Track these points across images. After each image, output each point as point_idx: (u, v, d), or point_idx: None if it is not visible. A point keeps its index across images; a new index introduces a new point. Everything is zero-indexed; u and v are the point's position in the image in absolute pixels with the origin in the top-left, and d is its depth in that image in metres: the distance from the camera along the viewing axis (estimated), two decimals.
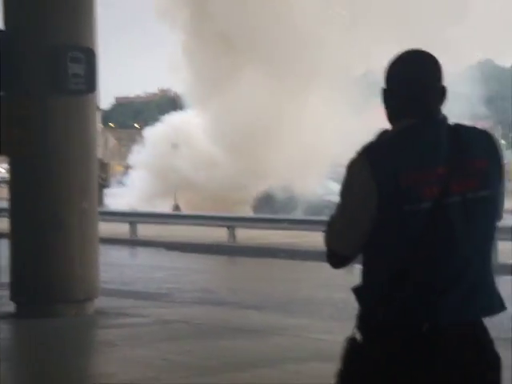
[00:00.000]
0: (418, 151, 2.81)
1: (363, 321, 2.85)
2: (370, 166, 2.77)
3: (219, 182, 29.18)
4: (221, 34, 30.02)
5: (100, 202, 19.39)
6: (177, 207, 29.30)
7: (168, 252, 19.46)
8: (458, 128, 2.90)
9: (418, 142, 2.82)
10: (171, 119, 35.41)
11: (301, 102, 28.62)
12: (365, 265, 2.87)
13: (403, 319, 2.77)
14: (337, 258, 2.92)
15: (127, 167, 37.60)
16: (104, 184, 30.32)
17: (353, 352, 2.85)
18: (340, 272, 3.44)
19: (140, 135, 38.93)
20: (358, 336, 2.84)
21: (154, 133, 34.59)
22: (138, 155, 34.72)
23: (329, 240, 2.91)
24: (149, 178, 32.44)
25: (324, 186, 27.65)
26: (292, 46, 28.32)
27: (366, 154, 2.82)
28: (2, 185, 44.61)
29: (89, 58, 9.42)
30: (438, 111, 2.91)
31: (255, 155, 28.79)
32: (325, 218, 16.07)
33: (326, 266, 2.98)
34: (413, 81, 2.89)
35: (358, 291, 2.87)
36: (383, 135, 2.89)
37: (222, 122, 29.47)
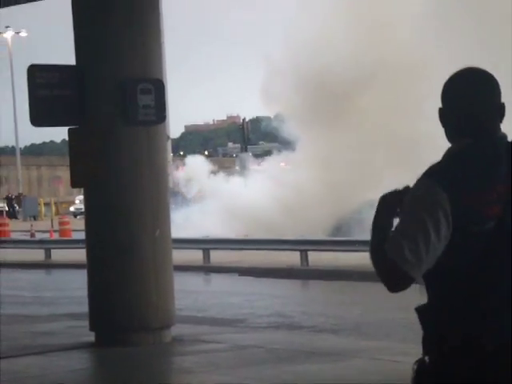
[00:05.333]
0: (477, 171, 2.78)
1: (430, 343, 2.84)
2: (442, 189, 2.74)
3: None
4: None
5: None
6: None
7: (241, 277, 19.51)
8: None
9: (477, 162, 2.79)
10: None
11: None
12: (429, 287, 2.84)
13: (469, 341, 2.76)
14: (398, 274, 2.74)
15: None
16: None
17: (422, 374, 2.84)
18: (414, 293, 3.43)
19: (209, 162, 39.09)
20: (427, 358, 2.84)
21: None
22: None
23: (396, 253, 2.73)
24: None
25: None
26: None
27: (434, 176, 2.79)
28: (79, 216, 45.45)
29: (158, 89, 9.58)
30: (497, 129, 2.87)
31: None
32: None
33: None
34: (469, 99, 2.85)
35: (421, 313, 2.85)
36: (445, 156, 2.87)
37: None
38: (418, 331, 2.98)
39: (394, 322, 11.56)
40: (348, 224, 26.11)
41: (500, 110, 2.89)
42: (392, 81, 28.59)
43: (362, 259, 19.27)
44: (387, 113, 28.66)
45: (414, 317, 2.95)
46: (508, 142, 2.88)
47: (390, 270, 2.76)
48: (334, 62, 29.50)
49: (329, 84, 29.79)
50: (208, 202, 32.57)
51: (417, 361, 2.87)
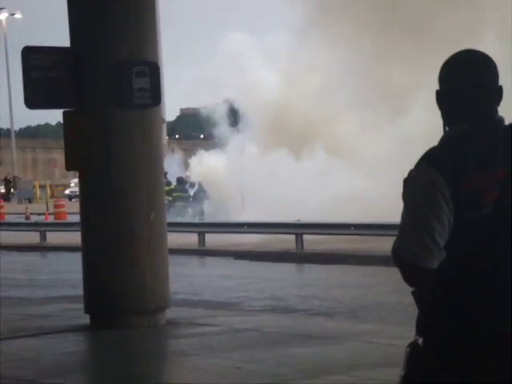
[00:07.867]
0: (476, 155, 2.75)
1: (424, 326, 2.84)
2: (441, 174, 2.72)
3: None
4: None
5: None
6: None
7: (236, 261, 19.54)
8: None
9: (475, 147, 2.77)
10: None
11: None
12: None
13: (463, 326, 2.76)
14: (418, 272, 2.77)
15: (188, 177, 37.51)
16: None
17: (415, 357, 2.84)
18: None
19: (205, 145, 38.97)
20: (420, 341, 2.84)
21: None
22: None
23: (404, 249, 2.75)
24: None
25: None
26: None
27: (432, 161, 2.76)
28: (74, 199, 45.44)
29: (153, 72, 9.55)
30: (495, 112, 2.85)
31: None
32: (390, 221, 15.71)
33: (395, 270, 2.97)
34: (467, 82, 2.82)
35: (417, 295, 2.86)
36: (442, 140, 2.84)
37: None
38: (413, 315, 2.97)
39: (390, 306, 11.58)
40: None
41: (498, 94, 2.86)
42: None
43: (356, 243, 19.33)
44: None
45: (410, 300, 2.94)
46: (506, 126, 2.85)
47: (404, 267, 2.79)
48: None
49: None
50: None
51: (410, 343, 2.87)
